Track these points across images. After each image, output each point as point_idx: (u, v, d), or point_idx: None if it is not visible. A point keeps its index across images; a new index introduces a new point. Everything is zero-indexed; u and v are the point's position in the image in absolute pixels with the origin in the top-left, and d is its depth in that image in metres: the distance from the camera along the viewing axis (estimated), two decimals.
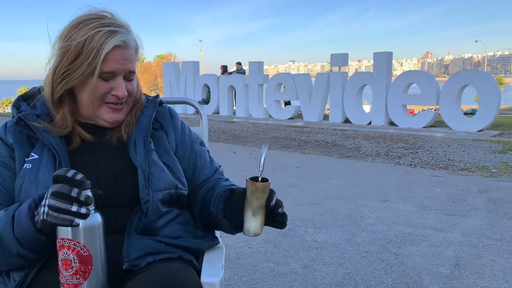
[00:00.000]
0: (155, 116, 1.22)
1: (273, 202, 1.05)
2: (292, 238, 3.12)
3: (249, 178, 1.06)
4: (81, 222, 0.89)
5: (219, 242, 1.28)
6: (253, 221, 1.05)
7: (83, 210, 0.88)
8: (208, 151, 1.34)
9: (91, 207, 0.92)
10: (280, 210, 1.06)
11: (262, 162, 1.07)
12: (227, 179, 1.32)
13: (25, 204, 0.94)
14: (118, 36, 1.05)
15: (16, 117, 1.10)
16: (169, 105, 1.32)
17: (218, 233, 1.36)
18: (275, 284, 2.42)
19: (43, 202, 0.89)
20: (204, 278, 1.07)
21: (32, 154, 1.09)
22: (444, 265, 2.64)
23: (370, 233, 3.21)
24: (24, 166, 1.07)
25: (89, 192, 0.91)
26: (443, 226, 3.35)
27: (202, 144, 1.33)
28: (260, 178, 1.05)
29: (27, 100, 1.16)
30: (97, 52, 1.02)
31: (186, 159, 1.25)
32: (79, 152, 1.13)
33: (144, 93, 1.27)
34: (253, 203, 1.04)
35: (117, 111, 1.12)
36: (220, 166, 1.35)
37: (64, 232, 0.89)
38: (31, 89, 1.19)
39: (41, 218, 0.88)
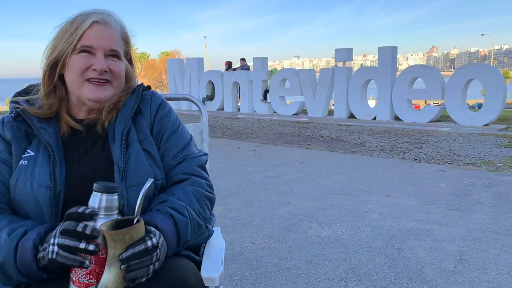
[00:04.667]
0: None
1: (124, 255, 0.87)
2: (296, 233, 3.13)
3: (114, 220, 0.91)
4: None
5: (211, 233, 1.25)
6: (106, 272, 0.88)
7: (91, 247, 0.88)
8: (190, 141, 1.23)
9: (114, 212, 0.93)
10: (123, 267, 0.87)
11: (139, 200, 0.92)
12: (189, 178, 1.16)
13: (30, 238, 0.95)
14: (98, 15, 1.12)
15: (14, 112, 1.12)
16: (157, 92, 1.29)
17: (219, 229, 1.36)
18: (278, 279, 2.43)
19: (51, 241, 0.90)
20: (204, 273, 1.08)
21: (28, 150, 1.10)
22: (447, 259, 2.64)
23: (374, 228, 3.21)
24: (20, 163, 1.08)
25: (102, 220, 0.90)
26: (447, 220, 3.34)
27: (181, 130, 1.23)
28: (135, 220, 0.91)
29: (24, 96, 1.19)
30: (77, 27, 1.09)
31: (157, 143, 1.19)
32: (73, 147, 1.14)
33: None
34: (109, 251, 0.88)
35: (100, 87, 1.12)
36: (198, 156, 1.22)
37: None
38: (28, 85, 1.21)
39: (49, 257, 0.89)
